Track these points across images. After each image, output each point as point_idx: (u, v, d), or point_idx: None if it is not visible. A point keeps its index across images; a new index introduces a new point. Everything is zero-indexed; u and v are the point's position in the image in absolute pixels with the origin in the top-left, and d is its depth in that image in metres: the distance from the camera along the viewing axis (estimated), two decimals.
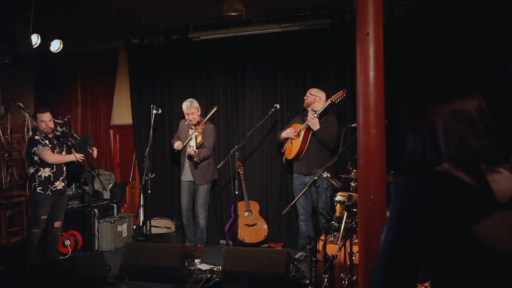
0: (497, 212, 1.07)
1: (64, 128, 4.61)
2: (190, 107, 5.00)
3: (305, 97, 4.75)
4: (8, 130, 5.82)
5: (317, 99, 4.66)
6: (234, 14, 4.66)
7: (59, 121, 4.61)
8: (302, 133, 4.63)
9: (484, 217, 1.06)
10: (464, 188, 1.10)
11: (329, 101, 4.51)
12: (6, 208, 5.41)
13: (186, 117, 5.01)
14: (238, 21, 5.30)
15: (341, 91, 4.47)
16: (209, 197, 5.28)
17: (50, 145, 4.44)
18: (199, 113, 5.07)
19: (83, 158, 4.56)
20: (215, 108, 5.07)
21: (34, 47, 4.55)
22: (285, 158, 4.93)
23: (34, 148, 4.38)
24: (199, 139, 4.87)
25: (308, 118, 4.54)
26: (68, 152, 4.65)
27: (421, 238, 1.11)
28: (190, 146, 4.89)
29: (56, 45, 5.21)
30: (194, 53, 5.70)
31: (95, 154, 4.72)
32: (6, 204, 5.38)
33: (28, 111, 4.74)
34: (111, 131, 6.43)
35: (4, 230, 5.34)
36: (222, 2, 4.55)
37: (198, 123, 4.99)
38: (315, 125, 4.50)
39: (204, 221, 5.22)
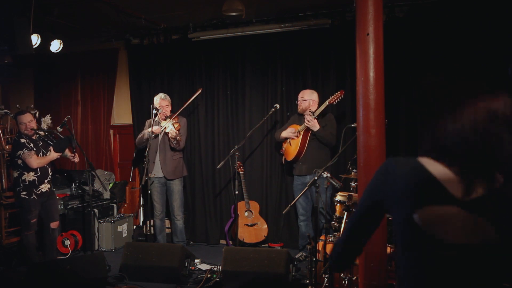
0: (450, 205, 1.10)
1: (63, 128, 4.58)
2: (165, 99, 5.06)
3: (298, 103, 4.72)
4: (8, 130, 5.81)
5: (311, 103, 4.64)
6: (234, 14, 4.67)
7: (47, 121, 4.56)
8: (301, 133, 4.63)
9: (431, 205, 1.11)
10: (428, 179, 1.13)
11: (327, 103, 4.49)
12: (6, 208, 5.41)
13: (161, 110, 4.95)
14: (238, 21, 5.30)
15: (338, 92, 4.47)
16: (184, 196, 5.30)
17: (35, 149, 4.37)
18: (170, 108, 5.11)
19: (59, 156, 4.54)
20: (200, 90, 5.11)
21: (34, 47, 4.54)
22: (285, 159, 4.92)
23: (20, 151, 4.28)
24: (176, 125, 4.87)
25: (306, 119, 4.53)
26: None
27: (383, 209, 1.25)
28: (170, 130, 4.84)
29: (56, 45, 5.22)
30: (194, 53, 5.70)
31: (76, 159, 4.64)
32: (6, 204, 5.38)
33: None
34: (111, 131, 6.43)
35: (4, 230, 5.34)
36: (222, 2, 4.55)
37: (169, 116, 5.00)
38: (314, 126, 4.49)
39: (182, 222, 5.21)
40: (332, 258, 1.43)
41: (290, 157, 4.75)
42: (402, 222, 1.16)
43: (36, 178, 4.36)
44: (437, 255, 1.12)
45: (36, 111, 4.55)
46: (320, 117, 4.55)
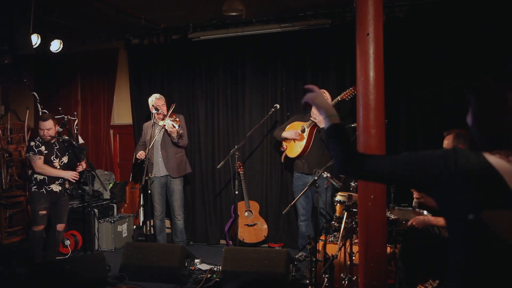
0: None
1: (63, 128, 4.58)
2: (160, 99, 5.06)
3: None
4: (8, 130, 5.82)
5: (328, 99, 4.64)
6: (234, 14, 4.67)
7: (59, 129, 4.55)
8: (307, 130, 4.59)
9: (498, 208, 1.17)
10: (496, 182, 1.18)
11: (338, 98, 4.43)
12: (6, 208, 5.41)
13: (159, 109, 4.94)
14: (238, 21, 5.30)
15: (351, 88, 4.41)
16: (184, 196, 5.31)
17: (46, 151, 4.38)
18: (166, 107, 5.10)
19: (76, 177, 4.48)
20: (174, 106, 5.04)
21: (34, 47, 4.54)
22: (285, 156, 4.87)
23: (27, 154, 4.42)
24: (175, 122, 4.87)
25: (315, 115, 4.51)
26: (70, 160, 4.60)
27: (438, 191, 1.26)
28: (169, 126, 4.85)
29: (56, 45, 5.22)
30: (194, 53, 5.69)
31: (80, 168, 4.59)
32: (6, 204, 5.38)
33: (39, 102, 4.76)
34: (111, 131, 6.43)
35: (4, 230, 5.34)
36: (222, 2, 4.56)
37: (166, 115, 4.99)
38: (322, 122, 4.48)
39: (182, 221, 5.22)
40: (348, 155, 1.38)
41: (294, 154, 4.68)
42: (463, 218, 1.20)
43: (46, 177, 4.39)
44: (500, 253, 1.18)
45: (55, 126, 4.48)
46: None
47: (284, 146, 4.83)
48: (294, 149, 4.72)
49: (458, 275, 1.26)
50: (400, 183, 1.38)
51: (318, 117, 4.47)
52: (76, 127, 4.68)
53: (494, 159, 1.21)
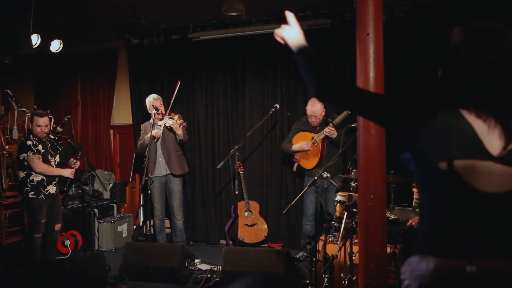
0: (487, 161, 1.20)
1: (63, 129, 4.57)
2: (157, 99, 5.07)
3: (313, 118, 4.60)
4: (8, 130, 5.81)
5: (323, 113, 4.62)
6: (234, 14, 4.67)
7: (59, 129, 4.53)
8: (319, 142, 4.58)
9: (470, 158, 1.20)
10: (470, 135, 1.22)
11: (348, 112, 4.35)
12: (6, 208, 5.41)
13: (159, 109, 4.95)
14: (238, 21, 5.30)
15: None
16: (184, 196, 5.34)
17: (43, 150, 4.33)
18: (163, 106, 5.10)
19: (72, 175, 4.48)
20: (179, 82, 5.04)
21: (34, 47, 4.54)
22: (298, 166, 4.80)
23: (24, 154, 4.26)
24: (176, 117, 4.88)
25: (326, 131, 4.47)
26: (62, 158, 4.57)
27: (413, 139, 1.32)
28: (172, 123, 4.86)
29: (56, 45, 5.22)
30: (194, 53, 5.69)
31: (76, 166, 4.58)
32: (6, 204, 5.37)
33: (14, 99, 4.73)
34: (111, 131, 6.43)
35: (4, 230, 5.34)
36: (222, 2, 4.56)
37: (165, 114, 5.00)
38: (334, 134, 4.48)
39: (182, 221, 5.23)
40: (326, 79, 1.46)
41: (311, 166, 4.66)
42: (438, 168, 1.22)
43: (45, 178, 4.33)
44: (474, 201, 1.21)
45: (49, 124, 4.46)
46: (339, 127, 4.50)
47: (297, 157, 4.79)
48: (309, 161, 4.68)
49: (430, 230, 1.27)
50: (376, 115, 1.47)
51: (330, 131, 4.45)
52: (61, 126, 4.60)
53: (470, 117, 1.24)
